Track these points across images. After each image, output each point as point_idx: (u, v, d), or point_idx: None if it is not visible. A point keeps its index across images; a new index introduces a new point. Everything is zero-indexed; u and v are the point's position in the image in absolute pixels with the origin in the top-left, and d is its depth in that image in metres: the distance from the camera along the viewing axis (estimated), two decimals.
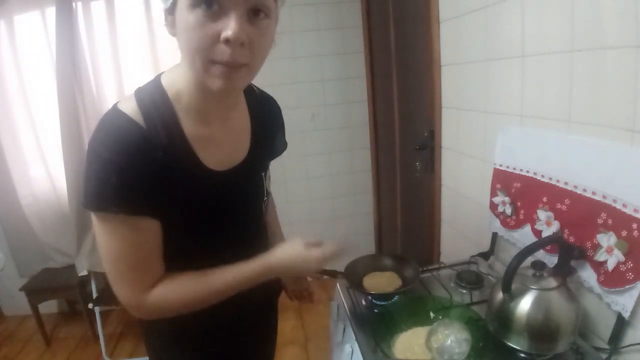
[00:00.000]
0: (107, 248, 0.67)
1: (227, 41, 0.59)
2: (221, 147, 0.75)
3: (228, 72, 0.62)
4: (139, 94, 0.69)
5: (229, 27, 0.58)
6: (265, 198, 0.87)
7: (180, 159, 0.68)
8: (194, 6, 0.58)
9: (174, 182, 0.67)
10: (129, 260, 0.67)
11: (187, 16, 0.59)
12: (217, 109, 0.74)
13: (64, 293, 2.42)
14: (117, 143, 0.62)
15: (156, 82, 0.71)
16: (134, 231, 0.66)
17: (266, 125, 0.87)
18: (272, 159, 0.93)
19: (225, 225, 0.78)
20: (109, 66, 2.32)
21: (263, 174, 0.86)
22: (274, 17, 0.65)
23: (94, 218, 0.66)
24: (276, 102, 0.95)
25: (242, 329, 0.88)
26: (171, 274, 0.72)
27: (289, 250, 0.79)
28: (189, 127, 0.70)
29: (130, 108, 0.66)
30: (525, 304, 0.81)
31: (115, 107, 0.67)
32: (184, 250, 0.73)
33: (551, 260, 0.96)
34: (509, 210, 1.13)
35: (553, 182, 0.96)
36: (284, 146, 0.98)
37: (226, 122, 0.76)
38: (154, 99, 0.68)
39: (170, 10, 0.63)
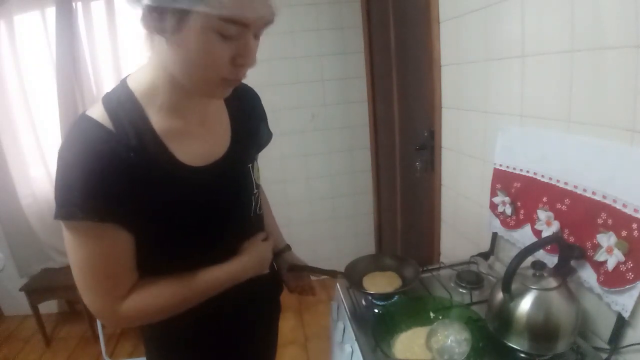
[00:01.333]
0: (75, 258, 0.65)
1: (242, 65, 0.62)
2: (199, 142, 0.73)
3: (235, 84, 0.67)
4: (106, 98, 0.67)
5: (249, 56, 0.62)
6: (255, 191, 0.86)
7: (154, 157, 0.66)
8: (217, 33, 0.58)
9: (151, 182, 0.65)
10: (98, 271, 0.65)
11: (203, 35, 0.58)
12: (194, 104, 0.73)
13: (64, 293, 2.41)
14: (83, 147, 0.61)
15: (122, 85, 0.69)
16: (101, 240, 0.64)
17: (245, 115, 0.85)
18: (259, 150, 0.92)
19: (214, 221, 0.76)
20: (109, 66, 2.32)
21: (250, 166, 0.84)
22: None
23: (63, 227, 0.64)
24: (254, 91, 0.93)
25: (243, 330, 0.88)
26: (145, 281, 0.71)
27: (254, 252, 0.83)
28: (160, 124, 0.68)
29: (97, 113, 0.64)
30: (525, 304, 0.81)
31: (82, 114, 0.65)
32: (173, 253, 0.72)
33: (551, 260, 0.96)
34: (509, 210, 1.13)
35: (553, 182, 0.96)
36: (269, 136, 0.96)
37: (203, 116, 0.75)
38: (121, 100, 0.67)
39: (161, 10, 0.57)
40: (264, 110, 0.95)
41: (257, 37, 0.63)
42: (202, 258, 0.75)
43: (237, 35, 0.59)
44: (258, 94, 0.94)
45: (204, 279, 0.74)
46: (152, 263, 0.71)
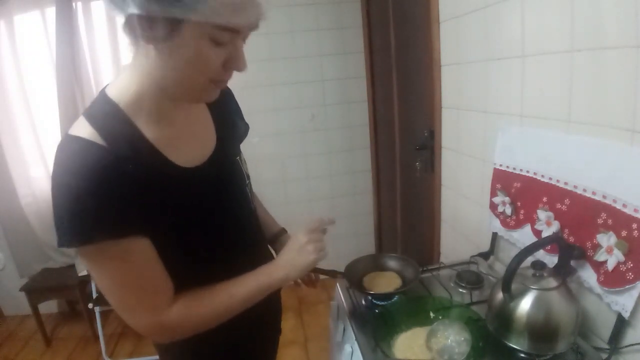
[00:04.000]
0: (107, 281, 0.64)
1: (234, 69, 0.63)
2: (190, 144, 0.74)
3: (223, 86, 0.67)
4: (89, 114, 0.65)
5: (240, 59, 0.63)
6: (247, 182, 0.87)
7: (152, 167, 0.65)
8: (210, 40, 0.58)
9: (154, 191, 0.64)
10: (135, 286, 0.65)
11: (196, 42, 0.58)
12: (182, 109, 0.73)
13: (64, 293, 2.42)
14: (83, 167, 0.59)
15: (103, 98, 0.67)
16: (128, 255, 0.63)
17: (224, 109, 0.86)
18: (240, 142, 0.92)
19: (219, 217, 0.77)
20: (109, 66, 2.32)
21: (238, 158, 0.85)
22: None
23: (81, 256, 0.62)
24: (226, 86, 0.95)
25: (244, 341, 0.87)
26: (183, 292, 0.70)
27: (285, 248, 0.80)
28: (151, 132, 0.67)
29: (84, 131, 0.62)
30: (525, 304, 0.81)
31: (68, 135, 0.63)
32: (186, 258, 0.71)
33: (551, 260, 0.96)
34: (509, 210, 1.13)
35: (553, 182, 0.96)
36: (246, 128, 0.96)
37: (188, 118, 0.75)
38: (106, 113, 0.65)
39: (152, 19, 0.56)
40: (237, 103, 0.95)
41: (244, 41, 0.65)
42: (215, 259, 0.75)
43: (229, 40, 0.60)
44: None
45: (245, 284, 0.74)
46: (170, 272, 0.70)
